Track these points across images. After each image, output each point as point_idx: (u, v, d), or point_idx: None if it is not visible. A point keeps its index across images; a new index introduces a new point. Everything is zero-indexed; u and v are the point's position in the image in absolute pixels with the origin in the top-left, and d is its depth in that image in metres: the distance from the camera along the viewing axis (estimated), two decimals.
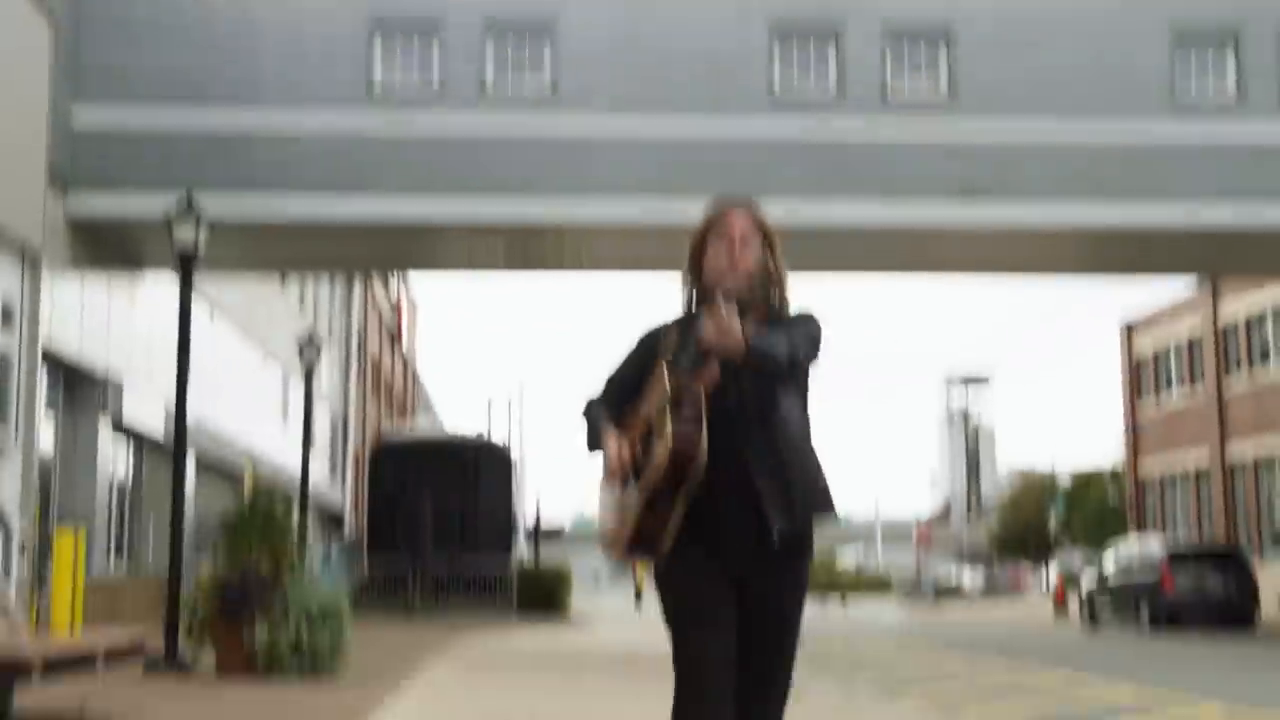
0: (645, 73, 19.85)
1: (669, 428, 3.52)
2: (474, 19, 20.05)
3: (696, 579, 3.66)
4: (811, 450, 3.79)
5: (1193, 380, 38.98)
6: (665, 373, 3.66)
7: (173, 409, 13.94)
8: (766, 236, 3.88)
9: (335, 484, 43.04)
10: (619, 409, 3.89)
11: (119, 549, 23.17)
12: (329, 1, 19.93)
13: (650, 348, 3.87)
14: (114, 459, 22.40)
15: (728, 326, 3.47)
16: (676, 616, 3.69)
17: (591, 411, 3.94)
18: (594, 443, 3.86)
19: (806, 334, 3.77)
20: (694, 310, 3.88)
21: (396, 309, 55.58)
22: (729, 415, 3.67)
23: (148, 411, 22.52)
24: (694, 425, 3.54)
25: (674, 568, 3.69)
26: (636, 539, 3.66)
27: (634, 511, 3.63)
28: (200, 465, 25.98)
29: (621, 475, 3.73)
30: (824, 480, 3.78)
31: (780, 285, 3.88)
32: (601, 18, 20.11)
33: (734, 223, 3.85)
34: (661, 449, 3.53)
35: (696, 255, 3.88)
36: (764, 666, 3.74)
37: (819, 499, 3.74)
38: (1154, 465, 41.34)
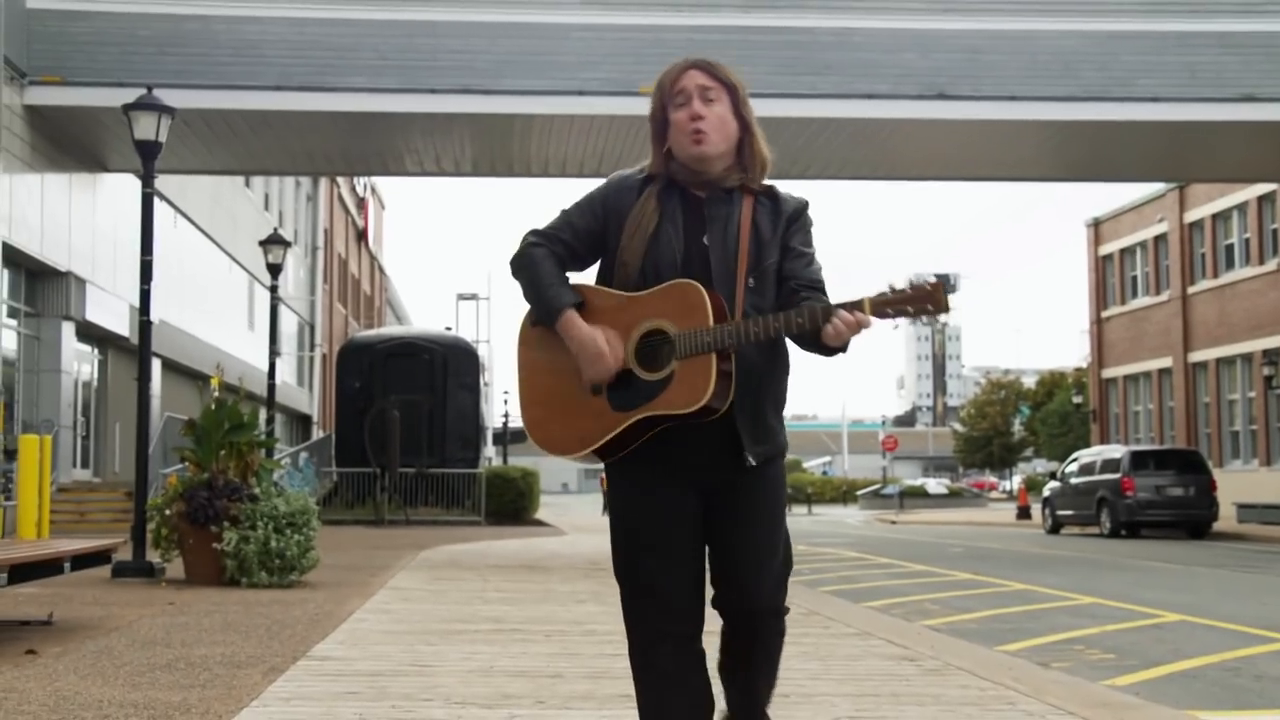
0: None
1: (712, 382, 3.18)
2: None
3: (655, 498, 3.33)
4: (785, 384, 3.49)
5: (1158, 280, 39.21)
6: (724, 327, 3.20)
7: (137, 310, 13.78)
8: (731, 89, 3.47)
9: (303, 386, 42.93)
10: (569, 259, 3.45)
11: (85, 453, 23.08)
12: None
13: (620, 204, 3.44)
14: (78, 361, 22.24)
15: (857, 330, 3.17)
16: (625, 539, 3.38)
17: (542, 268, 3.42)
18: (547, 315, 3.38)
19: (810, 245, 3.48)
20: (666, 180, 3.43)
21: (363, 208, 55.08)
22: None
23: (112, 312, 22.33)
24: (725, 396, 3.24)
25: (630, 481, 3.37)
26: (604, 449, 3.33)
27: (610, 426, 3.29)
28: (166, 368, 25.84)
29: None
30: (783, 404, 3.50)
31: (756, 149, 3.46)
32: None
33: (690, 81, 3.45)
34: (686, 396, 3.20)
35: (659, 129, 3.48)
36: (752, 557, 3.39)
37: (779, 435, 3.45)
38: (1118, 367, 41.69)
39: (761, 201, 3.45)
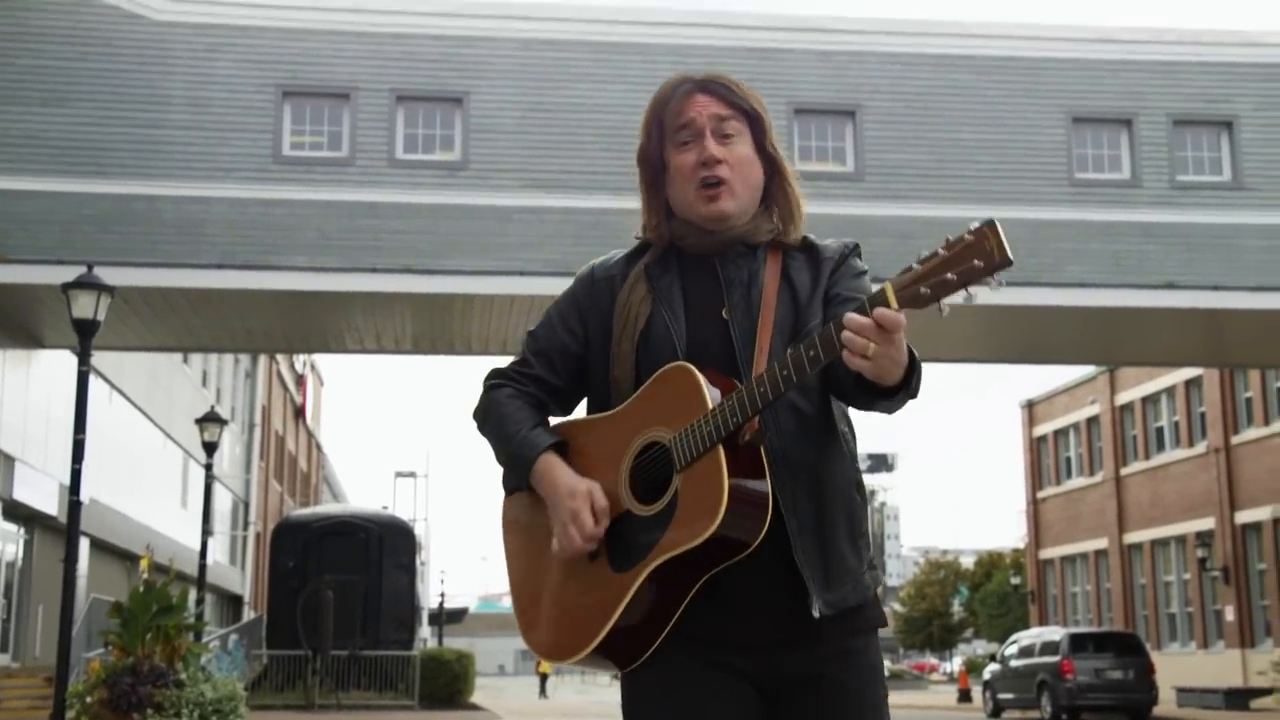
0: (555, 149, 20.02)
1: (725, 486, 2.19)
2: (383, 90, 20.05)
3: (697, 703, 2.33)
4: (858, 497, 2.48)
5: (1091, 461, 39.73)
6: (722, 404, 2.25)
7: (67, 489, 13.56)
8: (753, 118, 2.57)
9: (236, 566, 42.18)
10: (550, 399, 2.52)
11: (4, 637, 22.42)
12: (236, 70, 19.74)
13: (599, 302, 2.50)
14: (2, 541, 21.76)
15: (880, 334, 2.12)
16: None
17: (506, 410, 2.46)
18: (520, 468, 2.43)
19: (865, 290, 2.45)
20: (665, 252, 2.51)
21: (302, 385, 54.97)
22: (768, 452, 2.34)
23: (41, 491, 21.94)
24: (758, 506, 2.23)
25: (661, 681, 2.35)
26: (615, 639, 2.31)
27: (615, 599, 2.29)
28: (95, 548, 25.32)
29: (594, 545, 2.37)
30: (867, 542, 2.50)
31: (789, 191, 2.55)
32: (510, 92, 20.22)
33: (700, 110, 2.52)
34: (693, 520, 2.22)
35: (653, 175, 2.55)
36: None
37: (861, 575, 2.46)
38: (1055, 548, 41.92)
39: (794, 255, 2.52)
